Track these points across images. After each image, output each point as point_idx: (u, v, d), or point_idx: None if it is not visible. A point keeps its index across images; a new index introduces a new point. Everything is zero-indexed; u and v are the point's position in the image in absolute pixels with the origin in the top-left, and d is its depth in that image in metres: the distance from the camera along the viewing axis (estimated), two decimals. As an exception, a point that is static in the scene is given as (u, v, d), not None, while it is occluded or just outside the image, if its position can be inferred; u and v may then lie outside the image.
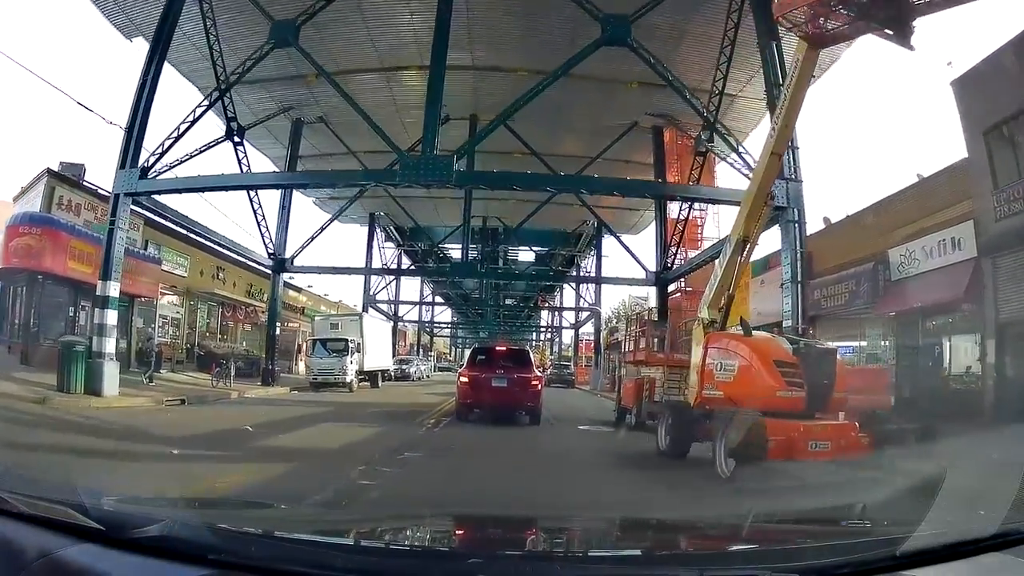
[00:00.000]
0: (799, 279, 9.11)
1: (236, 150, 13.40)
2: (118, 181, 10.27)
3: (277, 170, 17.22)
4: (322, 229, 18.46)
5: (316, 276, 22.52)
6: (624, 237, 27.18)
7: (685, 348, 7.48)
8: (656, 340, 9.47)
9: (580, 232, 28.36)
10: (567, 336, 54.05)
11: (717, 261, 6.92)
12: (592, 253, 29.29)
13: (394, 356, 30.55)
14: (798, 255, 9.27)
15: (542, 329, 57.99)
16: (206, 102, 11.48)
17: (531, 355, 10.71)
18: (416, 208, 25.25)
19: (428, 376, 32.35)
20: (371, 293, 27.92)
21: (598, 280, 27.93)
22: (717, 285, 6.32)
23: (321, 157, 17.46)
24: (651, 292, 31.08)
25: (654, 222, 17.07)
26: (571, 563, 1.23)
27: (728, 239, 6.73)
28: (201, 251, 16.58)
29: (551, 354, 50.75)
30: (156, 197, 11.12)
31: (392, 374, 24.61)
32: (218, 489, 3.57)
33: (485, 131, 11.72)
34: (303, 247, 17.41)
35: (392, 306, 34.42)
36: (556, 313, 46.38)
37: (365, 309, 25.13)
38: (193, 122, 11.03)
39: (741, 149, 11.12)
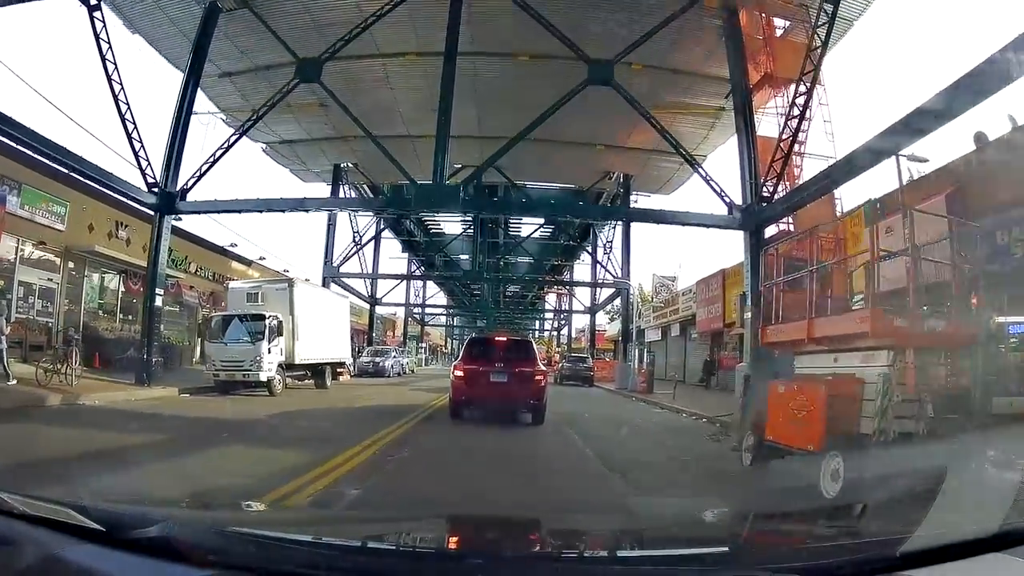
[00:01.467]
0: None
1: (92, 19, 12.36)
2: None
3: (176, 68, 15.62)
4: (227, 148, 14.91)
5: (278, 250, 23.27)
6: (656, 199, 27.79)
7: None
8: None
9: (600, 190, 28.50)
10: (577, 325, 55.03)
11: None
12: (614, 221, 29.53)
13: (370, 346, 30.92)
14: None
15: (548, 318, 59.58)
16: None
17: (534, 346, 11.32)
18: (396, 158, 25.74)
19: (412, 371, 32.57)
20: (333, 263, 27.51)
21: (625, 251, 28.11)
22: None
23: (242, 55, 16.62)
24: (677, 279, 31.46)
25: (737, 136, 14.30)
26: (571, 564, 1.53)
27: None
28: (91, 197, 14.94)
29: (558, 346, 51.82)
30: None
31: (360, 369, 24.66)
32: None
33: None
34: (199, 174, 14.48)
35: (369, 285, 34.50)
36: (564, 297, 46.90)
37: (326, 284, 24.77)
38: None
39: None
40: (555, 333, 58.03)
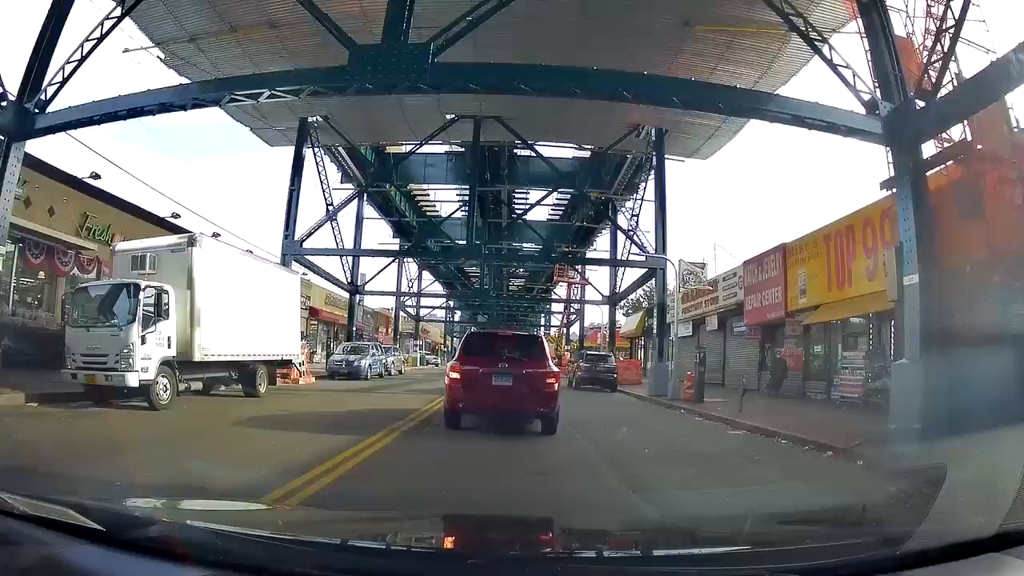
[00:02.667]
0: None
1: None
2: None
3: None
4: (99, 39, 13.59)
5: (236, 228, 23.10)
6: (691, 164, 27.57)
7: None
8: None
9: (623, 153, 28.57)
10: (588, 321, 56.75)
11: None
12: (645, 179, 29.34)
13: (349, 341, 30.90)
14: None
15: (557, 311, 60.74)
16: None
17: (544, 343, 11.42)
18: (376, 115, 25.67)
19: (401, 372, 32.81)
20: (294, 238, 26.24)
21: (660, 219, 26.65)
22: None
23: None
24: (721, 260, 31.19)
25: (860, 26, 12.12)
26: (571, 563, 1.84)
27: None
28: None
29: (567, 343, 52.79)
30: None
31: (331, 369, 24.60)
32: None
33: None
34: (63, 79, 13.43)
35: (346, 268, 34.11)
36: (576, 288, 47.41)
37: (286, 263, 23.94)
38: None
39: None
40: (564, 330, 59.46)
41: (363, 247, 35.49)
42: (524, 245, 42.87)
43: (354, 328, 34.96)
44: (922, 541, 1.63)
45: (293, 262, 25.54)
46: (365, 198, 35.50)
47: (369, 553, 1.78)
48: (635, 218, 30.77)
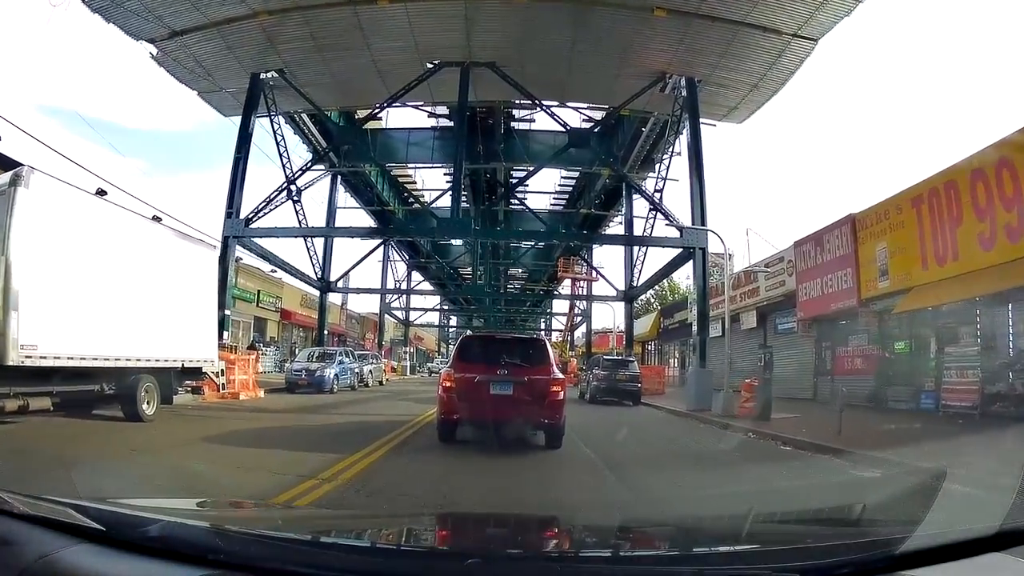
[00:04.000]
0: None
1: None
2: None
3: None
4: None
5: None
6: (723, 129, 27.75)
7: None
8: None
9: (644, 114, 28.88)
10: (600, 320, 60.06)
11: None
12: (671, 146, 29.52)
13: (320, 347, 31.15)
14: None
15: (561, 314, 64.34)
16: None
17: (548, 346, 12.17)
18: (344, 71, 25.97)
19: (380, 383, 32.96)
20: (239, 217, 26.09)
21: (697, 183, 27.88)
22: None
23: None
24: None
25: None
26: (571, 563, 2.23)
27: None
28: None
29: (571, 349, 55.38)
30: None
31: (289, 380, 24.93)
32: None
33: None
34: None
35: (319, 261, 34.42)
36: (581, 285, 48.72)
37: (227, 248, 24.24)
38: None
39: None
40: (568, 334, 61.92)
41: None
42: (522, 245, 45.32)
43: (326, 332, 35.96)
44: (922, 541, 1.98)
45: (238, 247, 25.79)
46: (339, 181, 36.47)
47: (368, 552, 2.18)
48: (658, 193, 29.96)
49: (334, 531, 2.75)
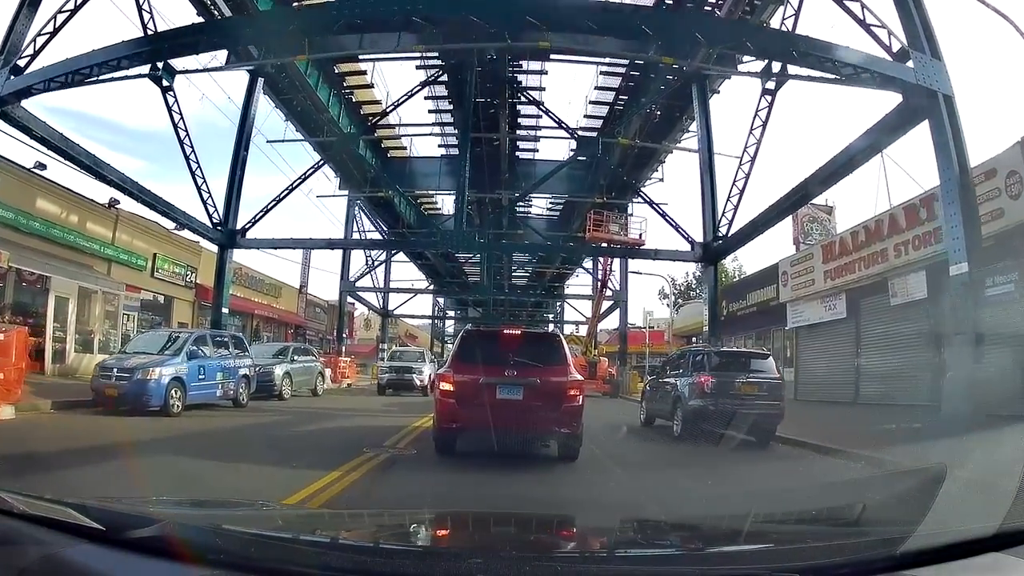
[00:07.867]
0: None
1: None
2: None
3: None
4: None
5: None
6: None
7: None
8: None
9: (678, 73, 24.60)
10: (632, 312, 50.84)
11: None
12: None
13: (171, 330, 20.77)
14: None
15: (585, 297, 54.19)
16: None
17: (563, 343, 10.77)
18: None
19: (313, 392, 25.06)
20: (207, 198, 24.84)
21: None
22: None
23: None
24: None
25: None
26: (571, 563, 2.24)
27: None
28: None
29: (595, 346, 44.81)
30: None
31: (95, 388, 14.57)
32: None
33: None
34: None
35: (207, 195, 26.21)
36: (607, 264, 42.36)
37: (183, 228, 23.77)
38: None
39: None
40: (595, 324, 47.80)
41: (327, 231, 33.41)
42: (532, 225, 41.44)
43: (226, 309, 26.67)
44: (922, 541, 2.00)
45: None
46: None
47: (369, 551, 2.20)
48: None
49: (334, 531, 2.81)
